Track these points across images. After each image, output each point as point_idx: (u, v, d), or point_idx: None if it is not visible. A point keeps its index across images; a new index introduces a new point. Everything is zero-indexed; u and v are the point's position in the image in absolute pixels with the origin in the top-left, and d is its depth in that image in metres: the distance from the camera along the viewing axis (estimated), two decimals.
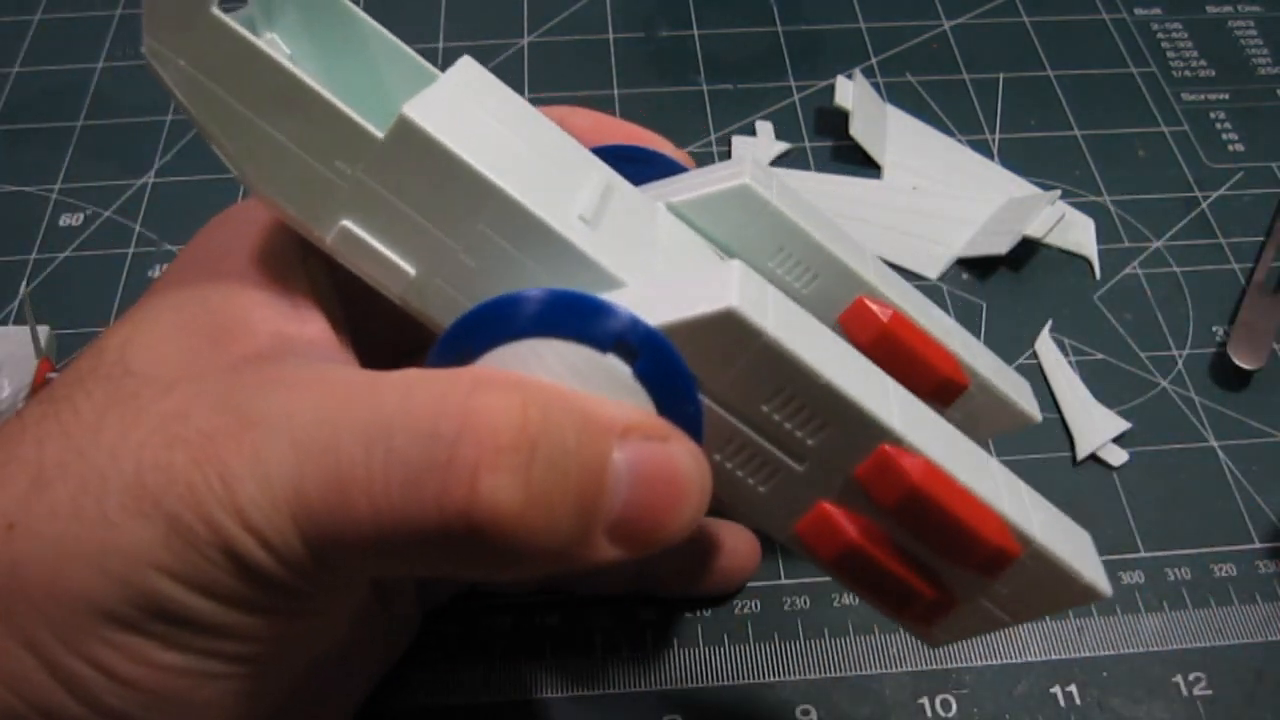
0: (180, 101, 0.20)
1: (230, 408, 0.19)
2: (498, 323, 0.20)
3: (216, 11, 0.19)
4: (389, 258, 0.21)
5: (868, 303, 0.25)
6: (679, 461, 0.19)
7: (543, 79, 0.48)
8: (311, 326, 0.21)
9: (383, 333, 0.23)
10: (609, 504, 0.19)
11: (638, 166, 0.25)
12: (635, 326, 0.19)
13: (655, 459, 0.19)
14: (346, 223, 0.20)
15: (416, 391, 0.18)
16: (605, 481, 0.19)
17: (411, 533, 0.18)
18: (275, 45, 0.21)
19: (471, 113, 0.21)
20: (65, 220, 0.43)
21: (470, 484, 0.17)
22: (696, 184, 0.25)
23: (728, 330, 0.19)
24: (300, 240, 0.22)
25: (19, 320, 0.35)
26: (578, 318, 0.19)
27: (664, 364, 0.19)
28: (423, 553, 0.18)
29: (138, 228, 0.43)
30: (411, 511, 0.18)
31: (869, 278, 0.25)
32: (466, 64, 0.22)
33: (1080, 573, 0.20)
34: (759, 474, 0.21)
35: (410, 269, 0.21)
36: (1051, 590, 0.21)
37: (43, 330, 0.35)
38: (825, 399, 0.19)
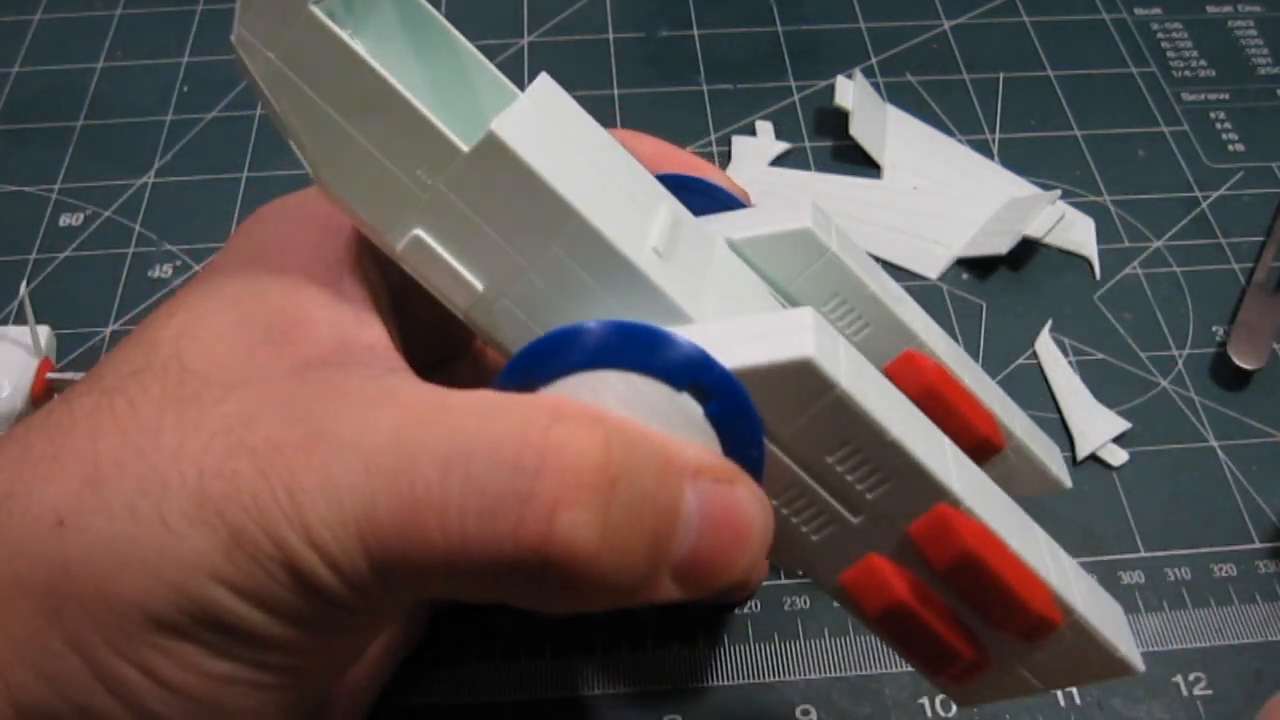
0: (263, 94, 0.20)
1: (298, 418, 0.18)
2: (574, 350, 0.19)
3: (315, 9, 0.18)
4: (459, 271, 0.20)
5: (915, 356, 0.25)
6: (745, 506, 0.19)
7: None
8: (370, 331, 0.21)
9: (418, 340, 0.23)
10: (678, 546, 0.19)
11: (695, 196, 0.26)
12: (711, 368, 0.19)
13: (724, 503, 0.19)
14: (419, 232, 0.20)
15: (497, 418, 0.18)
16: (677, 524, 0.19)
17: (482, 561, 0.18)
18: (356, 32, 0.21)
19: (553, 134, 0.20)
20: (65, 220, 0.43)
21: (548, 519, 0.17)
22: (756, 222, 0.25)
23: (802, 379, 0.19)
24: (358, 239, 0.22)
25: (19, 320, 0.35)
26: (656, 354, 0.19)
27: (735, 407, 0.19)
28: (489, 580, 0.18)
29: (138, 228, 0.43)
30: (486, 541, 0.17)
31: (917, 331, 0.25)
32: (545, 82, 0.22)
33: (1117, 647, 0.21)
34: (812, 522, 0.21)
35: (479, 284, 0.20)
36: (1087, 661, 0.21)
37: (43, 330, 0.35)
38: (890, 456, 0.19)
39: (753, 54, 0.50)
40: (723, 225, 0.25)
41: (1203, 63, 0.50)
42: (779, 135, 0.46)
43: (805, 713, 0.31)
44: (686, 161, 0.26)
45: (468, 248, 0.20)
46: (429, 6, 0.22)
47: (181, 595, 0.17)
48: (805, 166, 0.45)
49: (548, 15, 0.51)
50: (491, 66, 0.22)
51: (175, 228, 0.42)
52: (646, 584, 0.19)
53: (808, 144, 0.46)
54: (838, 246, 0.24)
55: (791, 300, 0.25)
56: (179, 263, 0.41)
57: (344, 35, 0.19)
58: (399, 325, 0.23)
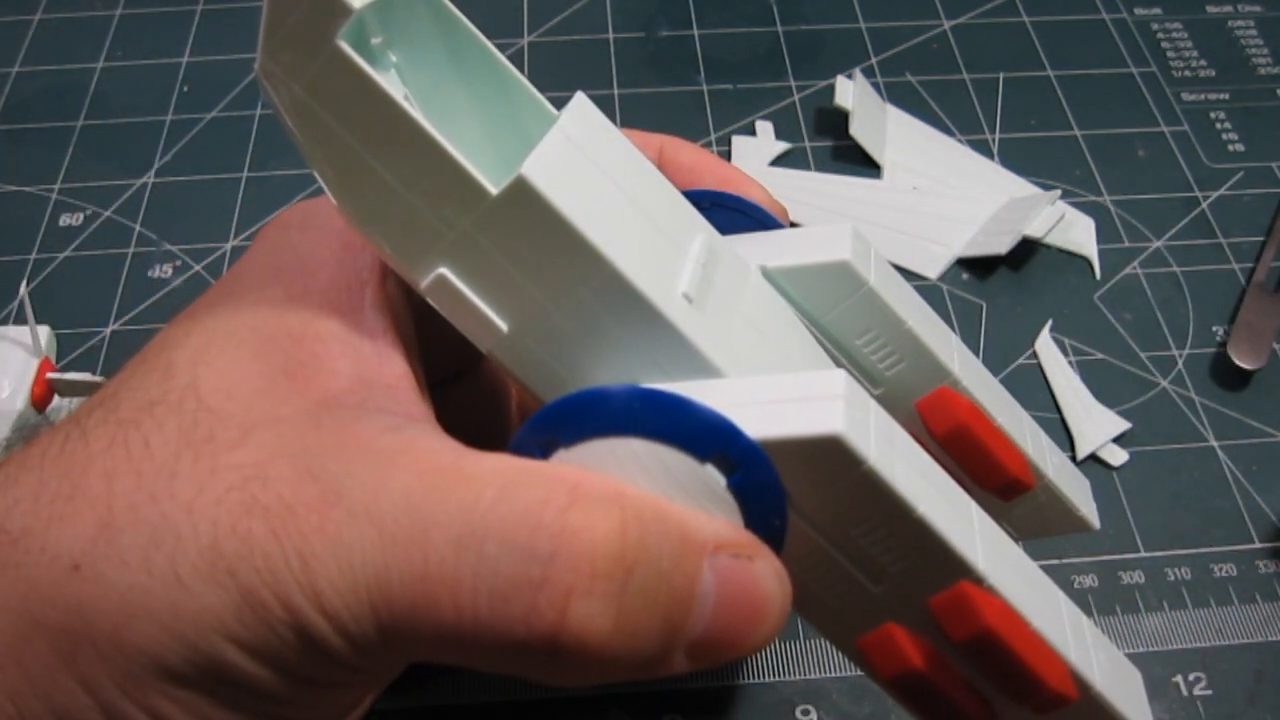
0: (287, 125, 0.19)
1: (313, 473, 0.18)
2: (600, 414, 0.19)
3: (343, 44, 0.18)
4: (484, 312, 0.20)
5: (949, 394, 0.25)
6: (763, 583, 0.19)
7: (543, 79, 0.48)
8: (391, 368, 0.21)
9: (436, 352, 0.23)
10: (693, 626, 0.19)
11: (732, 215, 0.25)
12: (737, 440, 0.18)
13: (741, 579, 0.19)
14: (444, 271, 0.20)
15: (513, 493, 0.18)
16: (693, 605, 0.19)
17: (492, 641, 0.18)
18: (388, 62, 0.21)
19: (585, 169, 0.20)
20: (65, 220, 0.43)
21: (561, 608, 0.17)
22: (793, 246, 0.24)
23: (830, 455, 0.18)
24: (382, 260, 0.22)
25: (19, 320, 0.35)
26: (682, 424, 0.19)
27: (760, 479, 0.19)
28: (498, 657, 0.18)
29: (138, 228, 0.43)
30: (497, 623, 0.17)
31: (953, 368, 0.25)
32: (580, 105, 0.21)
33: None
34: (832, 589, 0.21)
35: (503, 325, 0.20)
36: None
37: (43, 330, 0.35)
38: (916, 532, 0.19)
39: (753, 54, 0.50)
40: (759, 248, 0.25)
41: (1203, 63, 0.50)
42: (779, 135, 0.46)
43: (805, 713, 0.31)
44: (726, 176, 0.26)
45: (493, 289, 0.20)
46: (464, 20, 0.21)
47: (192, 650, 0.18)
48: (805, 166, 0.45)
49: (548, 15, 0.51)
50: (527, 83, 0.22)
51: (175, 228, 0.42)
52: (659, 662, 0.19)
53: (808, 144, 0.46)
54: (876, 280, 0.24)
55: (825, 333, 0.25)
56: (179, 263, 0.41)
57: (372, 72, 0.18)
58: (420, 338, 0.23)
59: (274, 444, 0.19)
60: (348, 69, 0.18)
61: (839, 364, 0.25)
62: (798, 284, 0.24)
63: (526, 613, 0.17)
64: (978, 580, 0.19)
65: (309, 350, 0.20)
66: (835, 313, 0.24)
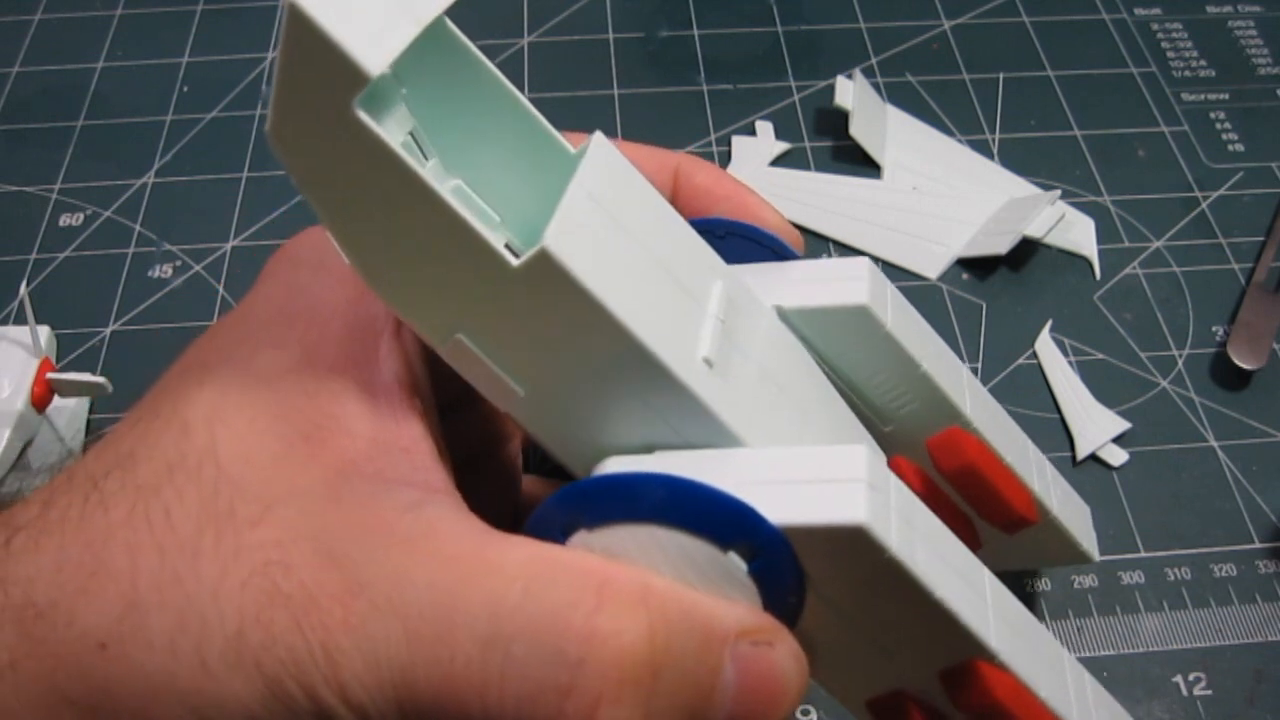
0: (299, 188, 0.19)
1: (334, 559, 0.18)
2: (624, 502, 0.19)
3: (362, 114, 0.17)
4: (501, 377, 0.20)
5: (959, 434, 0.25)
6: (782, 667, 0.19)
7: (543, 79, 0.48)
8: (407, 428, 0.20)
9: (445, 384, 0.23)
10: (715, 714, 0.19)
11: (747, 244, 0.25)
12: (760, 528, 0.18)
13: (761, 667, 0.19)
14: (461, 336, 0.20)
15: (540, 591, 0.18)
16: (715, 696, 0.19)
17: None
18: (399, 98, 0.20)
19: (606, 229, 0.20)
20: (65, 220, 0.43)
21: (589, 715, 0.17)
22: (810, 283, 0.24)
23: (853, 542, 0.18)
24: None
25: (19, 320, 0.35)
26: (707, 514, 0.19)
27: (780, 563, 0.19)
28: None
29: (138, 228, 0.43)
30: None
31: (964, 409, 0.25)
32: (599, 148, 0.21)
33: None
34: (844, 657, 0.21)
35: (520, 390, 0.20)
36: None
37: (43, 330, 0.35)
38: (933, 614, 0.19)
39: (753, 54, 0.50)
40: (774, 282, 0.24)
41: (1203, 63, 0.50)
42: (779, 135, 0.46)
43: (805, 713, 0.31)
44: (741, 199, 0.26)
45: (512, 355, 0.20)
46: (483, 60, 0.21)
47: None
48: (805, 166, 0.45)
49: (548, 15, 0.51)
50: (543, 120, 0.21)
51: (175, 228, 0.42)
52: None
53: (808, 144, 0.46)
54: (893, 324, 0.24)
55: (840, 373, 0.25)
56: (179, 263, 0.41)
57: (391, 141, 0.17)
58: (432, 365, 0.22)
59: (294, 523, 0.19)
60: (365, 138, 0.17)
61: (852, 404, 0.25)
62: (814, 325, 0.24)
63: (554, 717, 0.17)
64: (990, 658, 0.20)
65: (325, 410, 0.20)
66: (851, 355, 0.25)
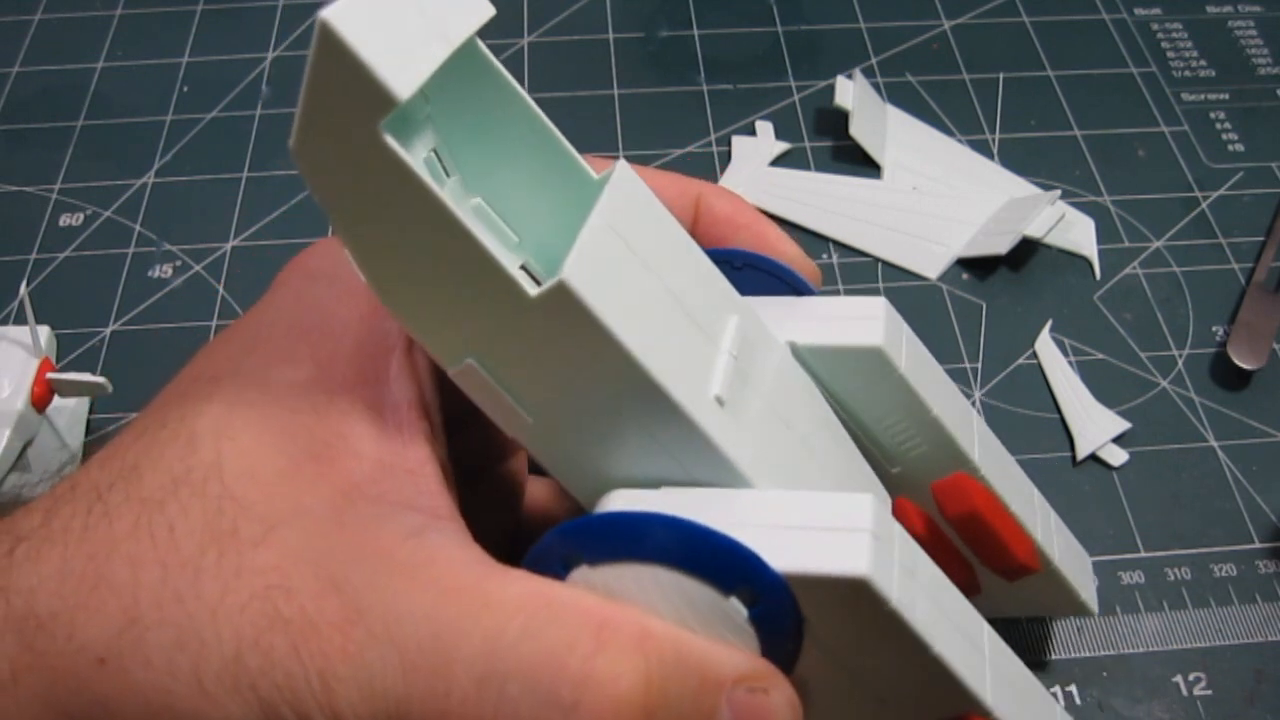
0: (319, 202, 0.19)
1: (335, 584, 0.18)
2: (628, 541, 0.19)
3: (389, 139, 0.17)
4: (511, 404, 0.20)
5: (965, 480, 0.25)
6: (778, 714, 0.19)
7: (543, 79, 0.48)
8: (414, 450, 0.20)
9: (452, 394, 0.23)
10: None
11: (763, 275, 0.25)
12: (763, 575, 0.18)
13: (756, 713, 0.19)
14: (473, 362, 0.20)
15: (538, 631, 0.18)
16: None
17: None
18: (423, 116, 0.20)
19: (625, 262, 0.19)
20: (65, 220, 0.43)
21: None
22: (825, 320, 0.24)
23: (855, 593, 0.18)
24: None
25: (19, 320, 0.35)
26: (710, 559, 0.19)
27: (781, 610, 0.19)
28: None
29: (138, 228, 0.43)
30: None
31: (973, 456, 0.25)
32: (623, 176, 0.21)
33: None
34: (839, 704, 0.21)
35: (529, 418, 0.20)
36: None
37: (43, 330, 0.35)
38: (930, 667, 0.19)
39: (753, 54, 0.50)
40: (788, 317, 0.25)
41: (1203, 63, 0.50)
42: (779, 135, 0.46)
43: None
44: (760, 231, 0.26)
45: (522, 383, 0.20)
46: (510, 80, 0.20)
47: None
48: (805, 166, 0.45)
49: (548, 15, 0.51)
50: (565, 143, 0.21)
51: (175, 228, 0.42)
52: None
53: (808, 144, 0.46)
54: (907, 367, 0.24)
55: (850, 413, 0.25)
56: (179, 263, 0.41)
57: (416, 166, 0.17)
58: (441, 381, 0.22)
59: (297, 545, 0.19)
60: (389, 159, 0.17)
61: (861, 444, 0.25)
62: (826, 364, 0.24)
63: None
64: (985, 713, 0.20)
65: (333, 429, 0.20)
66: (863, 395, 0.25)
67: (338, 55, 0.16)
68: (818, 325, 0.24)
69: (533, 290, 0.18)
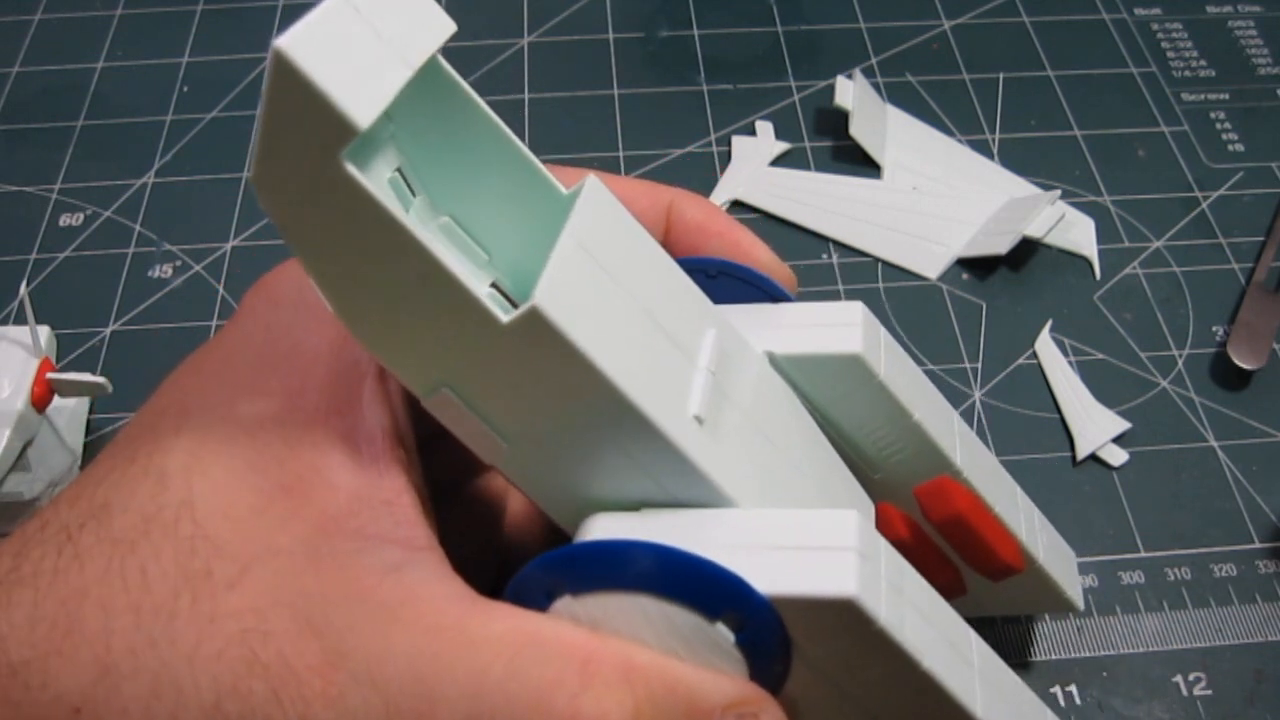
0: (281, 233, 0.18)
1: (313, 626, 0.18)
2: (611, 570, 0.19)
3: (351, 168, 0.16)
4: (487, 431, 0.20)
5: (948, 484, 0.25)
6: None
7: (543, 79, 0.48)
8: (390, 481, 0.20)
9: (424, 417, 0.22)
10: None
11: (738, 284, 0.25)
12: (749, 599, 0.18)
13: None
14: (447, 391, 0.19)
15: (522, 670, 0.18)
16: None
17: None
18: (386, 136, 0.20)
19: (597, 282, 0.19)
20: (65, 220, 0.43)
21: None
22: (802, 328, 0.24)
23: (842, 614, 0.18)
24: None
25: (19, 320, 0.35)
26: (695, 586, 0.18)
27: (768, 633, 0.19)
28: None
29: (138, 228, 0.43)
30: None
31: (955, 459, 0.25)
32: (593, 192, 0.20)
33: None
34: (829, 718, 0.21)
35: (506, 444, 0.20)
36: None
37: (43, 330, 0.35)
38: (920, 682, 0.19)
39: (753, 54, 0.50)
40: (765, 325, 0.24)
41: (1203, 63, 0.50)
42: (779, 135, 0.46)
43: None
44: (733, 237, 0.25)
45: (497, 410, 0.19)
46: (474, 97, 0.20)
47: None
48: (805, 166, 0.45)
49: (548, 15, 0.51)
50: (532, 158, 0.21)
51: (175, 228, 0.42)
52: None
53: (808, 144, 0.46)
54: (885, 373, 0.24)
55: (830, 420, 0.25)
56: (179, 263, 0.41)
57: (378, 195, 0.17)
58: (413, 406, 0.22)
59: (273, 586, 0.18)
60: (352, 191, 0.17)
61: (842, 451, 0.25)
62: (805, 372, 0.24)
63: None
64: None
65: (306, 462, 0.20)
66: (842, 402, 0.24)
67: (294, 85, 0.15)
68: (795, 333, 0.24)
69: (505, 317, 0.18)
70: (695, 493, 0.20)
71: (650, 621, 0.19)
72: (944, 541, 0.26)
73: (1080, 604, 0.29)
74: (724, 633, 0.19)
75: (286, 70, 0.15)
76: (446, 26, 0.19)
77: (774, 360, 0.24)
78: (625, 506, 0.20)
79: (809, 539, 0.19)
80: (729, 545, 0.19)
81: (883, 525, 0.26)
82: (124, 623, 0.18)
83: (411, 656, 0.18)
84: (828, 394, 0.24)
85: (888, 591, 0.19)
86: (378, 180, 0.19)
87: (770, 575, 0.18)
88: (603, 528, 0.20)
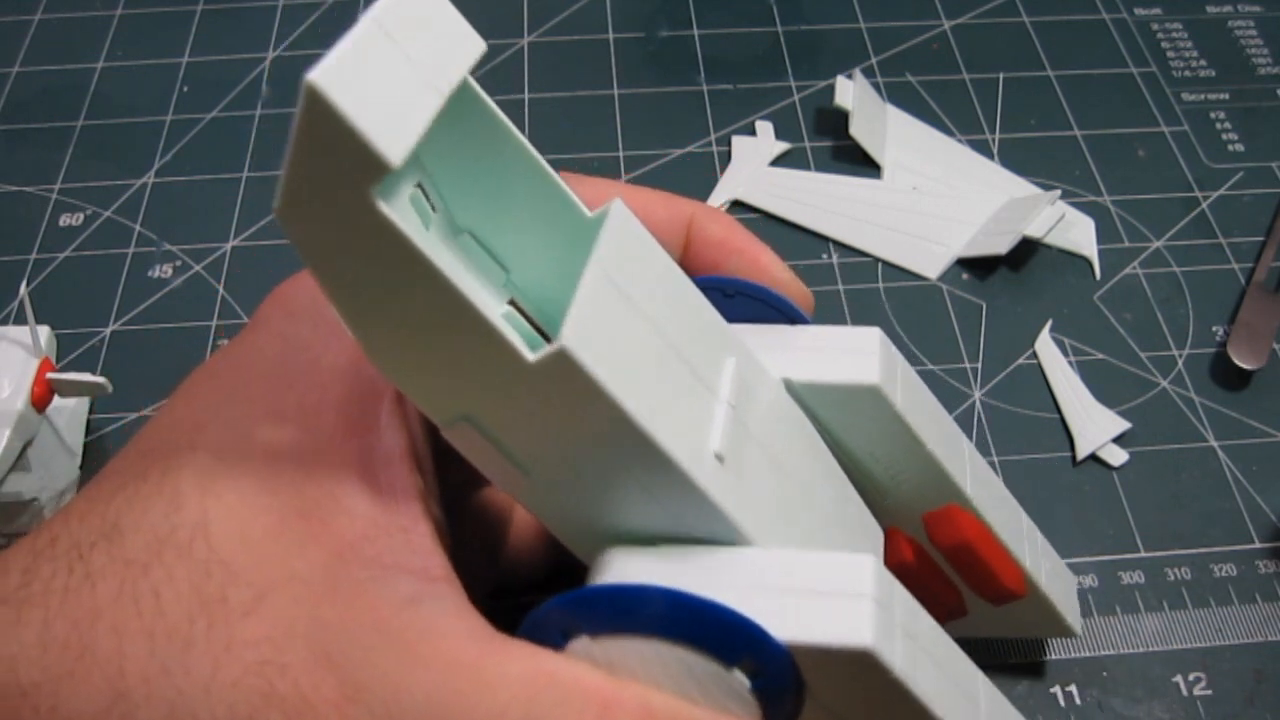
0: (305, 261, 0.18)
1: (330, 659, 0.18)
2: (629, 614, 0.19)
3: (382, 206, 0.16)
4: (507, 464, 0.20)
5: (957, 512, 0.25)
6: None
7: (543, 79, 0.48)
8: (407, 507, 0.20)
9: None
10: None
11: (755, 302, 0.25)
12: (766, 647, 0.18)
13: None
14: (466, 423, 0.19)
15: (542, 714, 0.17)
16: None
17: None
18: (416, 168, 0.20)
19: (623, 317, 0.19)
20: (65, 220, 0.43)
21: None
22: (819, 354, 0.24)
23: (857, 662, 0.18)
24: None
25: (19, 320, 0.35)
26: (712, 632, 0.18)
27: (784, 678, 0.19)
28: None
29: (138, 228, 0.43)
30: None
31: (965, 488, 0.25)
32: (619, 219, 0.20)
33: None
34: None
35: (524, 477, 0.20)
36: None
37: (43, 330, 0.35)
38: None
39: (753, 54, 0.50)
40: (781, 347, 0.24)
41: (1203, 63, 0.50)
42: (779, 135, 0.46)
43: None
44: (753, 255, 0.25)
45: (518, 443, 0.19)
46: (500, 115, 0.20)
47: None
48: (805, 166, 0.45)
49: (548, 15, 0.51)
50: (557, 178, 0.20)
51: (175, 228, 0.42)
52: None
53: (808, 144, 0.46)
54: (902, 404, 0.24)
55: (843, 446, 0.25)
56: (179, 263, 0.41)
57: (410, 234, 0.17)
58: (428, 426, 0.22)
59: (289, 614, 0.18)
60: (381, 226, 0.16)
61: (852, 476, 0.25)
62: (821, 399, 0.24)
63: None
64: None
65: (323, 486, 0.19)
66: (857, 430, 0.25)
67: (327, 120, 0.15)
68: (812, 359, 0.24)
69: (531, 355, 0.18)
70: (714, 530, 0.20)
71: (666, 665, 0.19)
72: (948, 565, 0.27)
73: (1079, 630, 0.29)
74: (740, 679, 0.19)
75: (319, 105, 0.15)
76: (477, 46, 0.18)
77: (790, 386, 0.24)
78: (642, 540, 0.20)
79: (826, 584, 0.19)
80: (746, 588, 0.19)
81: (889, 548, 0.26)
82: (138, 648, 0.18)
83: (429, 694, 0.17)
84: (842, 421, 0.24)
85: (903, 640, 0.19)
86: (400, 200, 0.19)
87: (787, 622, 0.18)
88: (619, 565, 0.20)
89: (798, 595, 0.19)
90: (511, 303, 0.21)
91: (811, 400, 0.24)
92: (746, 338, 0.23)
